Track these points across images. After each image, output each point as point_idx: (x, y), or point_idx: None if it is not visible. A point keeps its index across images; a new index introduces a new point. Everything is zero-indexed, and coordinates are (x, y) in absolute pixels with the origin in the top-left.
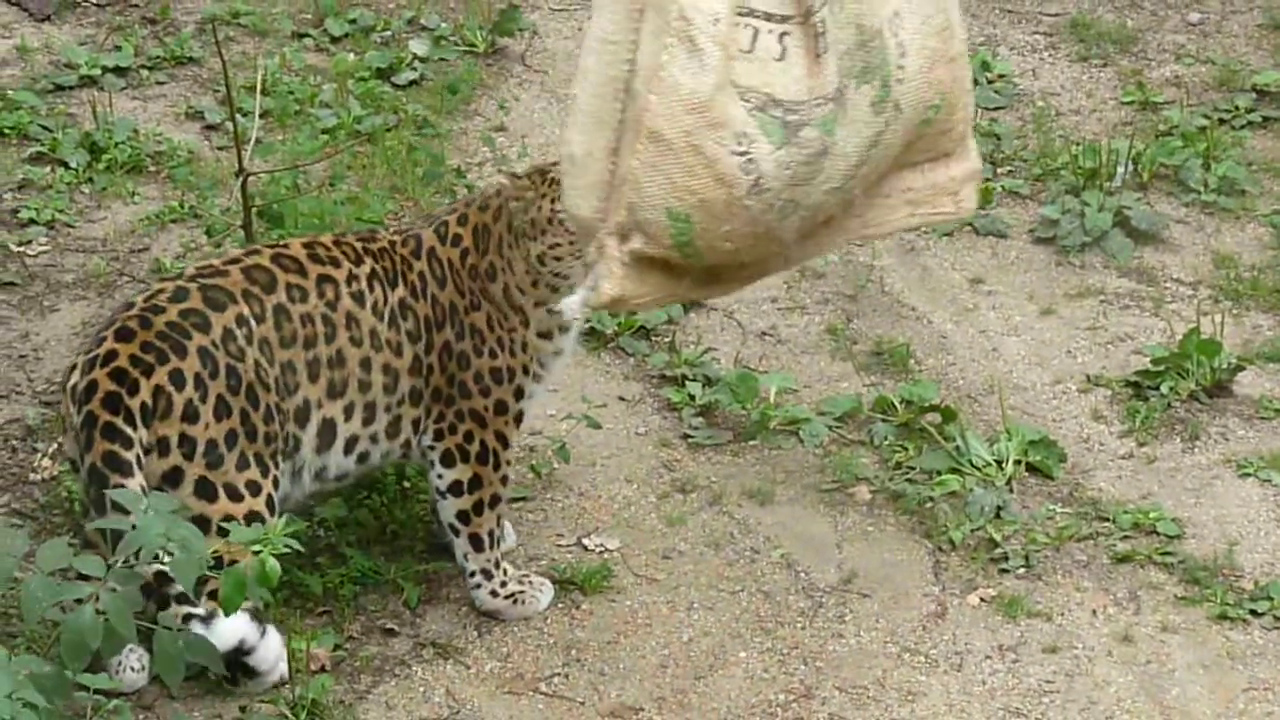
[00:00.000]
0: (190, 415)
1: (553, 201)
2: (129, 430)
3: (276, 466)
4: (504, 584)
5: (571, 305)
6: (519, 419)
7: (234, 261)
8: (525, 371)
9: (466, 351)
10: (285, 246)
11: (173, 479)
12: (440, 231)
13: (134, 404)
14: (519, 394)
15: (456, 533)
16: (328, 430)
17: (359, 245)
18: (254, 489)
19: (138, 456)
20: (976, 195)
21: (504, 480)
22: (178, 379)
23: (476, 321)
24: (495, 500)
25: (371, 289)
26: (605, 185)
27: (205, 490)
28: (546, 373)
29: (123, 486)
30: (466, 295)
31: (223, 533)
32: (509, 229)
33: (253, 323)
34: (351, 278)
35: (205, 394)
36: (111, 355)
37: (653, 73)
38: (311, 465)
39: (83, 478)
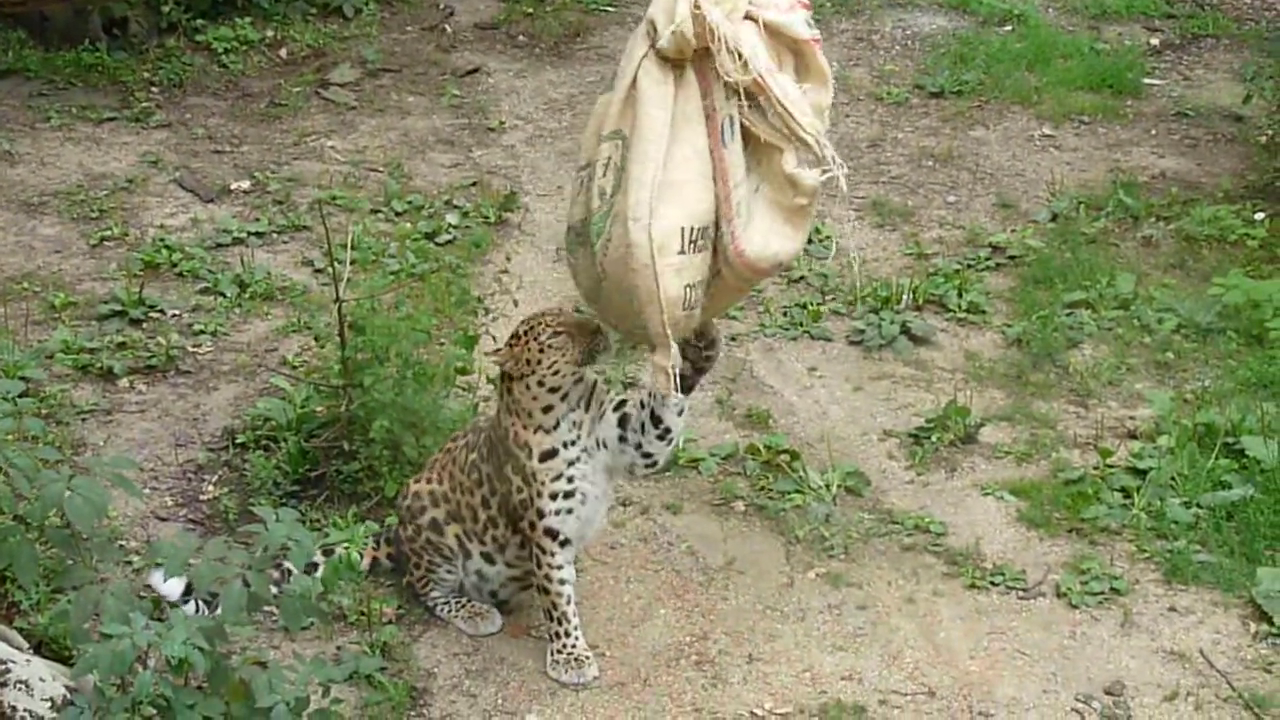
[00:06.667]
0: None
1: (540, 348)
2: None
3: (475, 520)
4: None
5: None
6: (550, 533)
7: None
8: (539, 495)
9: (508, 493)
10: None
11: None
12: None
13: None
14: (539, 514)
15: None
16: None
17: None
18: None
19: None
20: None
21: (555, 567)
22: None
23: (506, 471)
24: (549, 579)
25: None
26: None
27: (434, 526)
28: (583, 480)
29: None
30: (500, 457)
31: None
32: (508, 388)
33: (471, 440)
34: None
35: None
36: None
37: None
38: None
39: None
